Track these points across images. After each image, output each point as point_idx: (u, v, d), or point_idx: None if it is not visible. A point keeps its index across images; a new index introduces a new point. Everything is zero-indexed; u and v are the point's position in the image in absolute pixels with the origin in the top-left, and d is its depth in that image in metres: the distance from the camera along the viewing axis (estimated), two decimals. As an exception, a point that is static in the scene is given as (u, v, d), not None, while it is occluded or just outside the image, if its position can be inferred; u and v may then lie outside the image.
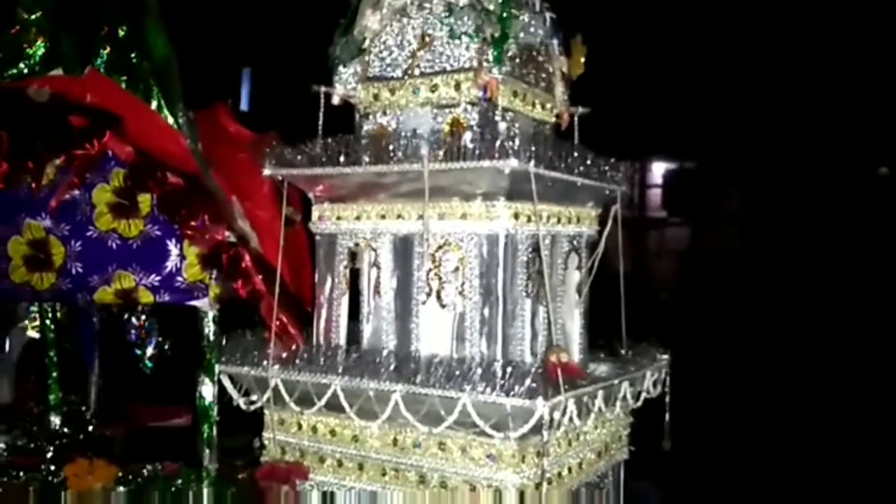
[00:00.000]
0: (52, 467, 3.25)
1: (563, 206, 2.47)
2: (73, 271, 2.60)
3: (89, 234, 2.59)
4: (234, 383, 2.45)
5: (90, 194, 2.58)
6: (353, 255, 2.53)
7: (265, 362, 2.34)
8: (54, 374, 3.76)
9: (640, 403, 2.63)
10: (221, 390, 2.51)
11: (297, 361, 2.30)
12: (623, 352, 2.68)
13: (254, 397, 2.41)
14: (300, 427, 2.40)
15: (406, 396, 2.10)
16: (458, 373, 2.05)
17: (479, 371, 2.04)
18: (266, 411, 2.45)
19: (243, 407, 2.43)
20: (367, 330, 2.48)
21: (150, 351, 4.93)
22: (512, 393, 1.96)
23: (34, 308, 4.03)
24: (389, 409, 2.13)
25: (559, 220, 2.46)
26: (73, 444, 3.57)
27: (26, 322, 4.08)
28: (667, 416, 2.76)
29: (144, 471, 3.21)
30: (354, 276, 2.55)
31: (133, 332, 4.89)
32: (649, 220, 17.61)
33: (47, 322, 3.79)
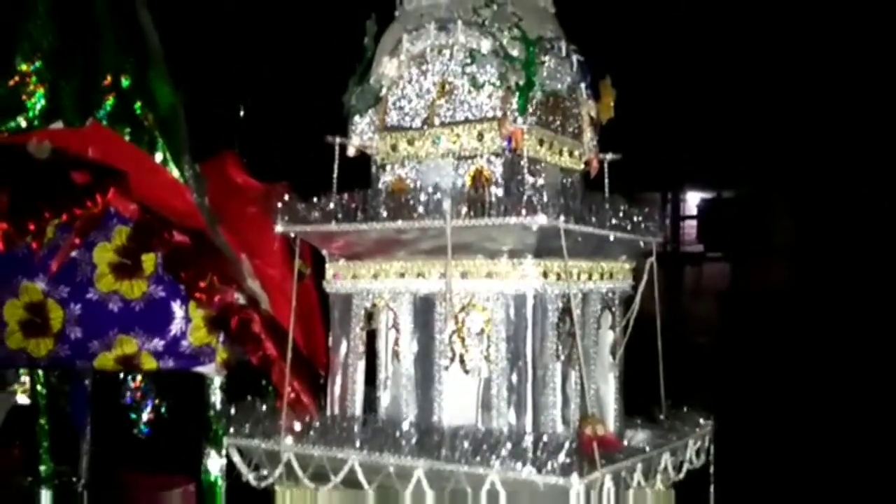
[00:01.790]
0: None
1: (595, 261, 2.51)
2: (72, 336, 2.67)
3: (89, 296, 2.66)
4: (243, 457, 2.47)
5: (91, 253, 2.65)
6: (370, 316, 2.57)
7: (277, 435, 2.36)
8: (45, 444, 3.81)
9: (682, 475, 2.63)
10: (229, 464, 2.54)
11: (312, 434, 2.32)
12: (663, 418, 2.69)
13: (264, 472, 2.43)
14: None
15: (429, 473, 2.12)
16: (485, 446, 2.06)
17: (509, 445, 2.05)
18: (277, 488, 2.47)
19: (253, 483, 2.45)
20: (384, 398, 2.51)
21: (146, 415, 4.98)
22: (545, 470, 1.97)
23: (23, 371, 4.09)
24: (412, 487, 2.14)
25: (591, 277, 2.49)
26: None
27: (15, 386, 4.14)
28: (711, 489, 2.76)
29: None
30: (371, 338, 2.59)
31: (128, 394, 4.94)
32: (684, 255, 17.52)
33: (38, 387, 3.85)
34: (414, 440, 2.17)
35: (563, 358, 2.40)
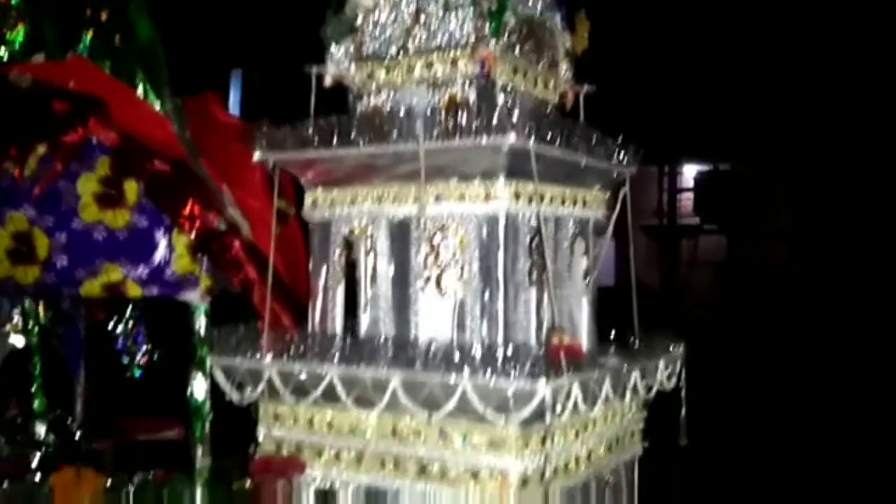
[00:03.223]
0: (38, 476, 3.37)
1: (568, 187, 2.57)
2: (59, 265, 2.72)
3: (74, 225, 2.71)
4: (226, 376, 2.55)
5: (75, 184, 2.70)
6: (349, 243, 2.65)
7: (259, 353, 2.44)
8: (38, 381, 3.88)
9: (651, 395, 2.72)
10: (214, 386, 2.62)
11: (292, 351, 2.40)
12: (635, 344, 2.78)
13: (248, 391, 2.51)
14: (296, 421, 2.50)
15: (405, 383, 2.20)
16: (457, 357, 2.15)
17: (480, 355, 2.13)
18: (261, 405, 2.56)
19: (236, 401, 2.53)
20: (364, 320, 2.60)
21: (138, 359, 5.06)
22: (512, 375, 2.06)
23: (16, 312, 4.16)
24: (387, 397, 2.23)
25: (563, 203, 2.56)
26: (60, 454, 3.68)
27: (8, 326, 4.21)
28: (682, 411, 2.86)
29: (134, 480, 3.33)
30: (351, 269, 2.67)
31: (120, 339, 5.02)
32: (680, 228, 17.57)
33: (30, 325, 3.91)
34: (390, 353, 2.26)
35: (535, 280, 2.48)
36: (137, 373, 5.05)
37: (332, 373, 2.30)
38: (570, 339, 2.16)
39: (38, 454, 3.61)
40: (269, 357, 2.42)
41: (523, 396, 2.06)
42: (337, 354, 2.32)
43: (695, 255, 17.56)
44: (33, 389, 3.83)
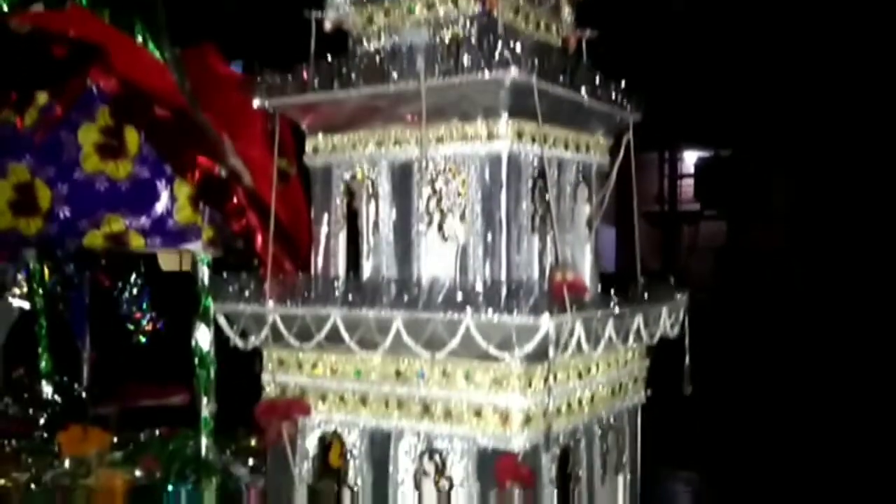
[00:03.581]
0: (46, 434, 3.39)
1: (571, 130, 2.55)
2: (61, 215, 2.73)
3: (76, 176, 2.71)
4: (230, 323, 2.54)
5: (76, 134, 2.70)
6: (351, 193, 2.63)
7: (262, 298, 2.43)
8: (44, 343, 3.91)
9: (655, 340, 2.71)
10: (218, 332, 2.62)
11: (295, 295, 2.39)
12: (638, 292, 2.76)
13: (251, 337, 2.51)
14: (300, 366, 2.49)
15: (407, 323, 2.19)
16: (460, 296, 2.13)
17: (482, 292, 2.12)
18: (264, 351, 2.56)
19: (241, 346, 2.53)
20: (367, 267, 2.58)
21: (144, 325, 5.08)
22: (515, 311, 2.04)
23: (21, 276, 4.17)
24: (391, 338, 2.22)
25: (566, 146, 2.54)
26: (66, 413, 3.71)
27: (15, 290, 4.23)
28: (687, 360, 2.85)
29: (140, 436, 3.35)
30: (353, 219, 2.65)
31: (125, 305, 5.04)
32: (680, 214, 17.48)
33: (35, 286, 3.93)
34: (392, 294, 2.24)
35: (538, 223, 2.46)
36: (143, 339, 5.07)
37: (335, 315, 2.29)
38: (574, 275, 2.14)
39: (45, 413, 3.63)
40: (271, 302, 2.41)
41: (526, 332, 2.05)
42: (340, 296, 2.31)
43: (695, 241, 17.52)
44: (39, 350, 3.85)
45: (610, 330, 2.33)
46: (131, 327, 4.97)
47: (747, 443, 6.70)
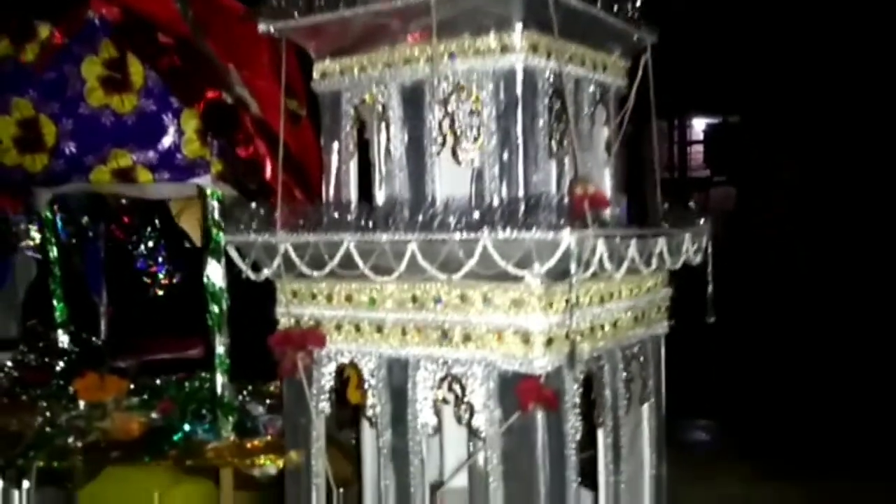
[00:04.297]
0: (62, 382, 3.35)
1: (588, 48, 2.43)
2: (67, 151, 2.65)
3: (81, 110, 2.62)
4: (241, 255, 2.47)
5: (79, 68, 2.60)
6: (361, 123, 2.53)
7: (273, 228, 2.35)
8: (59, 292, 3.85)
9: (678, 265, 2.61)
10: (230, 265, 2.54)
11: (307, 223, 2.31)
12: (660, 219, 2.66)
13: (264, 268, 2.43)
14: (314, 296, 2.41)
15: (422, 245, 2.10)
16: (476, 214, 2.04)
17: (499, 210, 2.02)
18: (277, 283, 2.48)
19: (253, 278, 2.45)
20: (379, 197, 2.50)
21: (160, 279, 5.02)
22: (535, 227, 1.95)
23: (34, 227, 4.11)
24: (406, 262, 2.13)
25: (583, 63, 2.42)
26: (83, 362, 3.67)
27: (28, 241, 4.17)
28: (710, 288, 2.75)
29: (157, 381, 3.30)
30: (364, 154, 2.56)
31: (141, 258, 4.98)
32: (691, 181, 17.27)
33: (48, 235, 3.85)
34: (406, 216, 2.15)
35: (556, 143, 2.36)
36: (160, 293, 5.02)
37: (349, 240, 2.20)
38: (596, 189, 2.04)
39: (60, 362, 3.59)
40: (282, 231, 2.33)
41: (546, 248, 1.95)
42: (353, 222, 2.22)
43: (705, 208, 17.30)
44: (54, 299, 3.80)
45: (633, 251, 2.24)
46: (147, 281, 4.91)
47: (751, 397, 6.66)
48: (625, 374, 2.48)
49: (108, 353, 4.15)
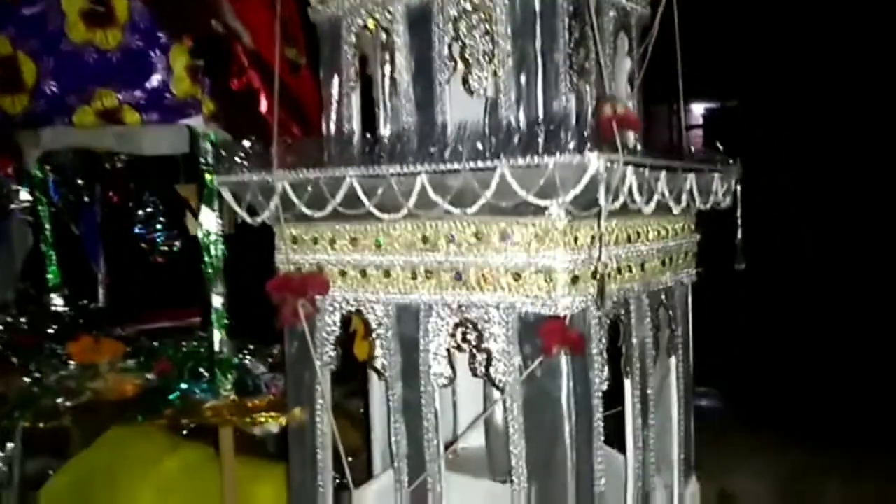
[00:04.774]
0: (55, 346, 3.18)
1: (608, -33, 2.21)
2: (48, 91, 2.45)
3: (62, 47, 2.43)
4: (236, 199, 2.27)
5: (59, 1, 2.40)
6: (364, 59, 2.32)
7: (269, 166, 2.15)
8: (51, 255, 3.66)
9: (708, 205, 2.41)
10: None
11: (306, 158, 2.11)
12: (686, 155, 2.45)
13: (260, 211, 2.23)
14: (315, 241, 2.22)
15: (433, 178, 1.90)
16: (493, 141, 1.84)
17: (518, 135, 1.82)
18: (276, 229, 2.29)
19: (249, 221, 2.26)
20: (384, 132, 2.29)
21: (159, 246, 4.83)
22: (558, 151, 1.74)
23: (25, 189, 3.92)
24: (415, 197, 1.93)
25: (603, -17, 2.21)
26: (77, 325, 3.49)
27: (15, 204, 3.97)
28: (739, 234, 2.56)
29: (154, 344, 3.11)
30: (367, 92, 2.35)
31: (139, 225, 4.78)
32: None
33: (39, 195, 3.66)
34: (415, 147, 1.95)
35: (576, 71, 2.15)
36: (158, 260, 4.83)
37: (351, 175, 2.00)
38: (625, 108, 1.83)
39: (54, 326, 3.41)
40: (280, 169, 2.13)
41: (572, 173, 1.75)
42: (356, 155, 2.02)
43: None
44: (46, 260, 3.61)
45: (663, 185, 2.03)
46: (146, 247, 4.72)
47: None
48: (652, 322, 2.29)
49: (105, 320, 3.97)
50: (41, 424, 2.62)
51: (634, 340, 2.18)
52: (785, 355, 6.89)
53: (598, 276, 1.83)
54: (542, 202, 1.79)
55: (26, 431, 2.64)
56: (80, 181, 4.14)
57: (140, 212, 4.76)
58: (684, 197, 2.19)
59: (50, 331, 3.29)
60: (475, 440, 2.63)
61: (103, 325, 3.72)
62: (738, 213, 2.55)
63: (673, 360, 2.47)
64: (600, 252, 1.79)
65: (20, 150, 3.40)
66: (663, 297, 2.37)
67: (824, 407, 5.67)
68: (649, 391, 2.27)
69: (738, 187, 2.54)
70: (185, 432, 2.65)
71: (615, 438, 2.31)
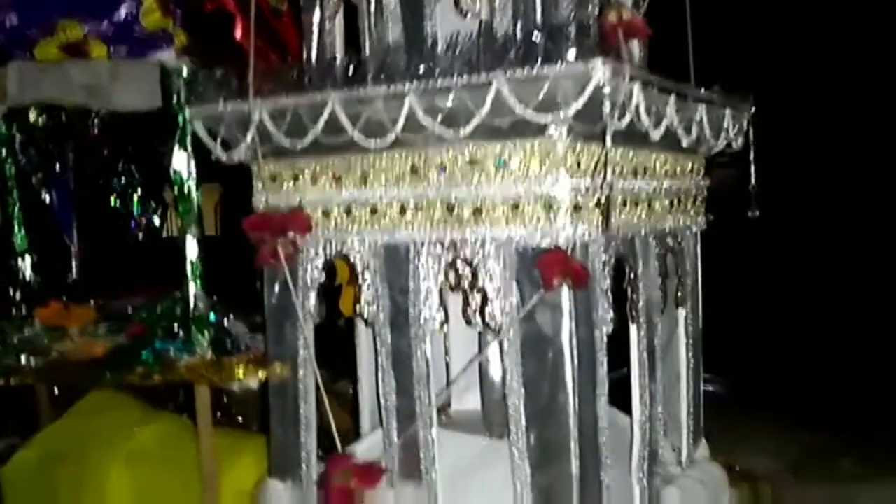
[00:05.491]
0: (23, 312, 3.05)
1: None
2: (8, 24, 2.33)
3: (21, -25, 2.30)
4: (210, 133, 2.15)
5: (17, -76, 2.28)
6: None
7: (245, 95, 2.02)
8: (18, 217, 3.51)
9: (718, 144, 2.30)
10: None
11: (284, 85, 1.98)
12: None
13: (236, 147, 2.11)
14: (296, 179, 2.10)
15: (422, 98, 1.78)
16: (488, 53, 1.72)
17: (514, 46, 1.70)
18: (253, 166, 2.17)
19: (223, 159, 2.13)
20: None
21: (137, 218, 4.69)
22: (559, 59, 1.63)
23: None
24: (403, 119, 1.81)
25: None
26: (46, 290, 3.36)
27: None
28: (752, 179, 2.45)
29: (128, 309, 2.99)
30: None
31: (115, 194, 4.64)
32: None
33: (3, 154, 3.51)
34: (402, 64, 1.83)
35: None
36: (135, 235, 4.69)
37: (333, 99, 1.88)
38: (632, 14, 1.71)
39: (20, 291, 3.28)
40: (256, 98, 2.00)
41: (574, 83, 1.63)
42: (338, 77, 1.90)
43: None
44: (13, 223, 3.47)
45: (672, 111, 1.92)
46: (121, 222, 4.57)
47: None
48: (659, 268, 2.18)
49: (76, 293, 3.83)
50: (2, 382, 2.49)
51: (641, 284, 2.06)
52: (791, 341, 6.81)
53: (603, 200, 1.71)
54: (541, 118, 1.68)
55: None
56: (49, 146, 4.00)
57: (115, 182, 4.61)
58: (694, 129, 2.08)
59: (17, 297, 3.16)
60: (469, 403, 2.52)
61: (74, 298, 3.59)
62: (752, 157, 2.45)
63: (681, 312, 2.36)
64: (605, 171, 1.67)
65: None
66: (671, 242, 2.26)
67: (831, 392, 5.60)
68: (656, 341, 2.16)
69: (751, 129, 2.43)
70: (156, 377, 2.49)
71: (621, 404, 2.20)
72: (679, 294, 2.31)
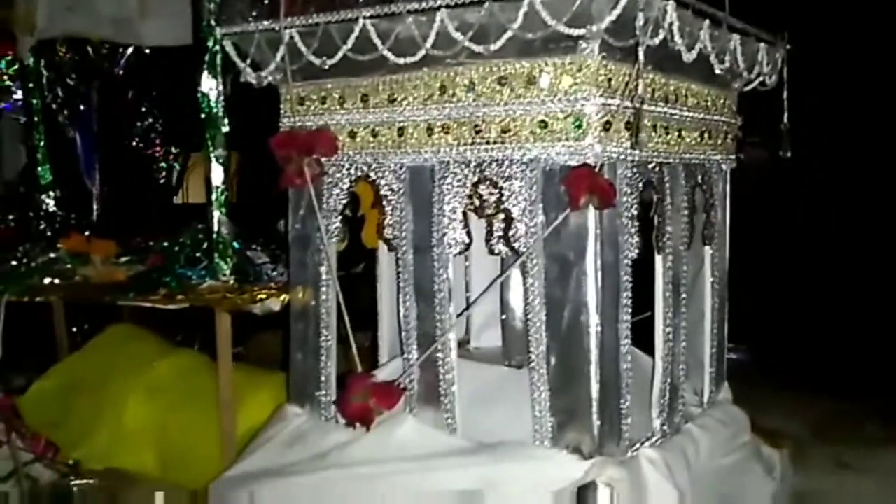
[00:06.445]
0: (47, 244, 3.13)
1: None
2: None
3: None
4: (239, 54, 2.19)
5: None
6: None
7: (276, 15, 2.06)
8: (43, 152, 3.59)
9: (752, 79, 2.32)
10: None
11: (314, 4, 2.02)
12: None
13: (266, 68, 2.15)
14: (324, 101, 2.14)
15: (454, 13, 1.81)
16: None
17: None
18: (282, 90, 2.21)
19: (254, 82, 2.17)
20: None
21: (158, 161, 4.75)
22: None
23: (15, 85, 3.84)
24: (433, 36, 1.84)
25: None
26: (69, 224, 3.44)
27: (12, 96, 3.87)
28: (785, 118, 2.46)
29: (150, 243, 3.06)
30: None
31: (137, 138, 4.71)
32: None
33: (31, 87, 3.57)
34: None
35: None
36: (157, 178, 4.76)
37: (365, 16, 1.92)
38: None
39: (45, 224, 3.36)
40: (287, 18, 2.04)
41: (606, -2, 1.65)
42: (370, -5, 1.93)
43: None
44: (38, 157, 3.55)
45: (706, 35, 1.94)
46: (144, 164, 4.63)
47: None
48: (688, 201, 2.20)
49: (98, 231, 3.91)
50: (26, 299, 2.56)
51: (669, 214, 2.09)
52: (814, 308, 6.79)
53: (633, 113, 1.74)
54: (574, 31, 1.70)
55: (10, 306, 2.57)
56: (76, 83, 4.06)
57: (138, 126, 4.67)
58: (728, 58, 2.10)
59: (40, 227, 3.24)
60: (488, 340, 2.56)
61: (96, 226, 3.67)
62: (785, 95, 2.45)
63: (708, 250, 2.38)
64: (637, 86, 1.70)
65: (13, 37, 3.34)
66: (700, 176, 2.28)
67: (854, 359, 5.60)
68: (682, 275, 2.19)
69: (785, 66, 2.44)
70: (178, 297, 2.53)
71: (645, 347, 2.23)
72: (706, 231, 2.34)
